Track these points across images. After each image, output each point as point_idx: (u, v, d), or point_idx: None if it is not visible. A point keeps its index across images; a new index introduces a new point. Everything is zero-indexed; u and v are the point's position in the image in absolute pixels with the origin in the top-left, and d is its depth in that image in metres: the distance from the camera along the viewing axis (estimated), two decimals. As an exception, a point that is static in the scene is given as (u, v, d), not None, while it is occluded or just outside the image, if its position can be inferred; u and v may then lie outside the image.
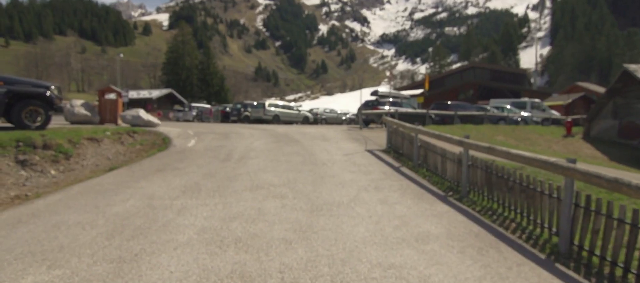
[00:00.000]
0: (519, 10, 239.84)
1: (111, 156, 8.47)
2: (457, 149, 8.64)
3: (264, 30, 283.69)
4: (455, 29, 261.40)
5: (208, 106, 31.66)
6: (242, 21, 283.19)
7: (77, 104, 12.43)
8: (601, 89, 37.68)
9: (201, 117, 28.92)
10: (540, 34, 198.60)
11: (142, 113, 12.11)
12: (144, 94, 37.33)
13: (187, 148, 9.52)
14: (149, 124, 12.15)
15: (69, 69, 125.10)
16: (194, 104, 32.50)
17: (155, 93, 37.61)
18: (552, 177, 6.19)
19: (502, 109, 24.48)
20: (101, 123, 12.66)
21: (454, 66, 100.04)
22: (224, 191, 5.63)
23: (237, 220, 4.39)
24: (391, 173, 7.30)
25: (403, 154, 9.23)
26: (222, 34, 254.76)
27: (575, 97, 31.20)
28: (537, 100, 29.19)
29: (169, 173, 6.84)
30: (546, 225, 4.41)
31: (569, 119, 22.01)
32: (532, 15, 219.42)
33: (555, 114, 27.50)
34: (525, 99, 29.98)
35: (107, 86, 14.51)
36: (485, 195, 5.67)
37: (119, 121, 12.51)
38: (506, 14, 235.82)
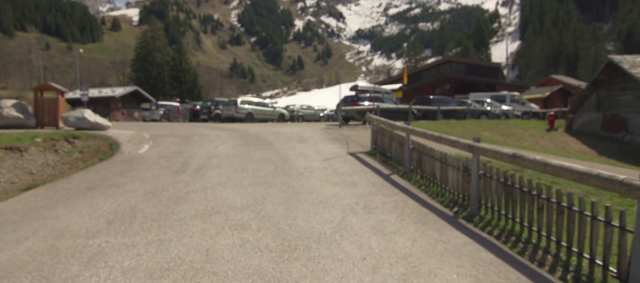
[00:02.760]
0: (490, 6, 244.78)
1: (36, 169, 6.83)
2: (454, 151, 7.47)
3: (238, 25, 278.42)
4: (428, 24, 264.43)
5: (176, 104, 29.63)
6: (216, 16, 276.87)
7: (7, 104, 10.55)
8: (576, 82, 37.94)
9: (169, 116, 26.94)
10: (510, 29, 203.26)
11: (89, 114, 10.41)
12: (107, 92, 34.77)
13: (136, 156, 7.97)
14: (97, 126, 10.46)
15: (31, 67, 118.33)
16: (161, 103, 30.38)
17: (119, 91, 35.07)
18: (598, 193, 5.07)
19: (483, 103, 23.83)
20: (39, 126, 10.85)
21: (430, 61, 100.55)
22: (166, 220, 4.21)
23: (172, 274, 3.00)
24: (381, 183, 6.04)
25: (391, 157, 8.00)
26: (196, 29, 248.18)
27: (553, 90, 31.03)
28: (516, 93, 28.78)
29: (101, 193, 5.34)
30: (599, 261, 3.24)
31: (552, 112, 21.51)
32: (502, 10, 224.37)
33: (535, 107, 27.14)
34: (505, 92, 29.54)
35: (45, 83, 12.59)
36: (502, 212, 4.49)
37: (61, 124, 10.73)
38: (477, 10, 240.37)
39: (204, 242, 3.59)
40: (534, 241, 3.93)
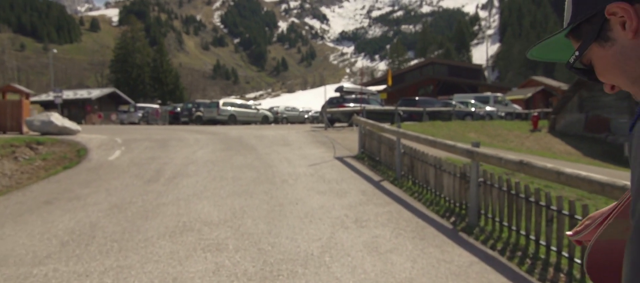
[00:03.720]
0: (470, 9, 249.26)
1: (-11, 179, 6.15)
2: (444, 155, 7.11)
3: (221, 27, 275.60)
4: (411, 26, 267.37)
5: (155, 106, 28.65)
6: (198, 17, 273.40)
7: (-36, 108, 9.73)
8: (556, 83, 38.54)
9: (148, 119, 25.98)
10: (490, 31, 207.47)
11: (56, 118, 9.67)
12: (82, 94, 33.40)
13: (105, 163, 7.34)
14: (65, 131, 9.73)
15: (4, 68, 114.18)
16: (140, 105, 29.34)
17: (96, 93, 33.73)
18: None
19: (467, 104, 23.80)
20: (0, 131, 10.02)
21: (413, 62, 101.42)
22: (129, 241, 3.66)
23: (128, 313, 2.48)
24: (372, 191, 5.61)
25: (381, 162, 7.60)
26: (178, 30, 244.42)
27: (535, 91, 31.38)
28: (499, 95, 28.95)
29: (60, 208, 4.74)
30: None
31: (536, 113, 21.60)
32: (482, 13, 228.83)
33: (517, 108, 27.32)
34: (488, 93, 29.69)
35: (6, 85, 11.71)
36: (504, 223, 4.11)
37: (25, 129, 9.93)
38: (458, 13, 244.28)
39: (171, 269, 3.07)
40: (542, 256, 3.55)
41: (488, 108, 23.85)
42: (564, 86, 30.97)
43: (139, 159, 7.67)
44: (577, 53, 0.57)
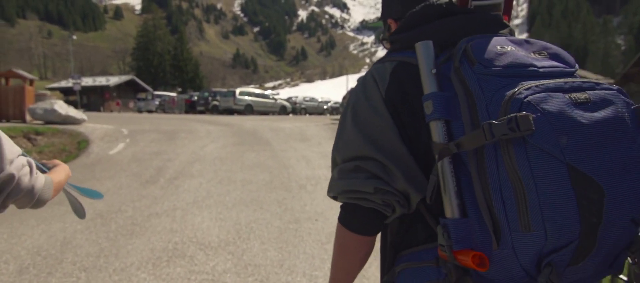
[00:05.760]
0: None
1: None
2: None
3: (242, 15, 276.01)
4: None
5: (172, 95, 28.23)
6: (219, 6, 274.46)
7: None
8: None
9: (164, 107, 25.57)
10: (518, 21, 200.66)
11: (59, 106, 9.06)
12: (101, 81, 33.32)
13: (104, 158, 6.62)
14: (69, 120, 9.12)
15: (31, 55, 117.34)
16: (157, 93, 29.00)
17: (114, 80, 33.61)
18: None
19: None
20: (3, 119, 9.49)
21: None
22: (101, 271, 2.84)
23: None
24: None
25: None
26: (199, 19, 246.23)
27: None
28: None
29: (35, 215, 3.99)
30: None
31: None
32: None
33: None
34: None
35: (8, 70, 11.17)
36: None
37: (28, 117, 9.36)
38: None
39: (143, 325, 2.22)
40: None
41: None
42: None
43: (142, 154, 6.92)
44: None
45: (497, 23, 0.75)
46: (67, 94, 31.13)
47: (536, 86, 0.59)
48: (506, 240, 0.58)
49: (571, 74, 0.69)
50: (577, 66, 0.72)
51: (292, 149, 7.81)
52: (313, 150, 7.78)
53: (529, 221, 0.56)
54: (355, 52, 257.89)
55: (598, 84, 0.64)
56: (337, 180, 0.74)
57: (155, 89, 38.71)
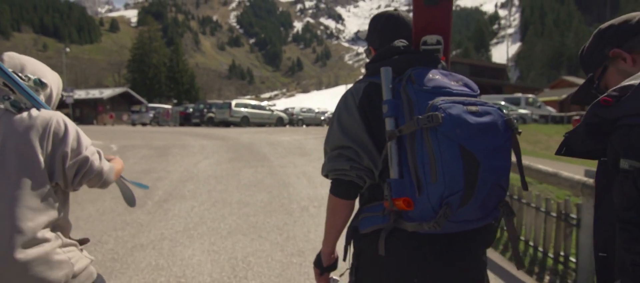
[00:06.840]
0: (489, 7, 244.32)
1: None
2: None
3: (237, 27, 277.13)
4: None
5: (167, 107, 27.74)
6: (214, 18, 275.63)
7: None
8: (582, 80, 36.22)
9: (158, 120, 25.05)
10: (511, 30, 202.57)
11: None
12: (95, 93, 32.78)
13: (88, 178, 6.10)
14: (55, 136, 8.57)
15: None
16: (151, 105, 28.49)
17: (107, 93, 33.05)
18: None
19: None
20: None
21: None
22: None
23: None
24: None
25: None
26: (195, 30, 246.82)
27: (570, 92, 29.23)
28: (531, 96, 26.98)
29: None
30: None
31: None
32: (502, 12, 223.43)
33: (552, 110, 25.33)
34: (519, 94, 27.72)
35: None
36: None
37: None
38: (476, 12, 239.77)
39: None
40: None
41: (521, 111, 22.03)
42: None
43: (130, 173, 6.42)
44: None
45: (435, 60, 1.12)
46: (59, 107, 30.55)
47: (447, 99, 0.95)
48: (423, 190, 0.92)
49: (474, 96, 1.05)
50: (479, 91, 1.09)
51: (292, 165, 7.35)
52: (314, 166, 7.33)
53: (436, 176, 0.90)
54: (350, 62, 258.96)
55: (486, 103, 1.00)
56: (326, 163, 1.09)
57: (150, 101, 38.22)
